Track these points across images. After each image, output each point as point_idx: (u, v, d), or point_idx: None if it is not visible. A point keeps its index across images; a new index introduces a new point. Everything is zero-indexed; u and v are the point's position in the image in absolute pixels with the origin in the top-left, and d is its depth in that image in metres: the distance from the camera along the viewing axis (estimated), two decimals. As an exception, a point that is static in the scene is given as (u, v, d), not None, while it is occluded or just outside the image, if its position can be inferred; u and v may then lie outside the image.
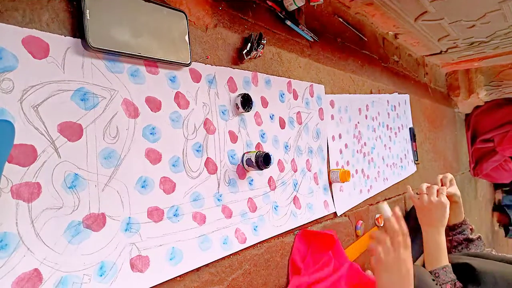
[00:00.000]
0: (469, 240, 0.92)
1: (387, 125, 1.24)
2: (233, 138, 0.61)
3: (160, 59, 0.49)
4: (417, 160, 1.44)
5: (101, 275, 0.41)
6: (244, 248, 0.61)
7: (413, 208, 1.28)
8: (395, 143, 1.29)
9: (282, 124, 0.73)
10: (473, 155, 2.49)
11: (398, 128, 1.33)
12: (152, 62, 0.50)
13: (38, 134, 0.37)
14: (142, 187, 0.47)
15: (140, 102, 0.48)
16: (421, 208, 0.86)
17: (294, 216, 0.73)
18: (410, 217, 1.25)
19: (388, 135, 1.24)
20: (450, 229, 0.95)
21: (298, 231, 0.75)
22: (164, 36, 0.50)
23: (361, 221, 0.98)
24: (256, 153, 0.60)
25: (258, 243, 0.63)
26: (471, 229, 0.96)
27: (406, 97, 1.45)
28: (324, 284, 0.67)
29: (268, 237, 0.65)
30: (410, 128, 1.44)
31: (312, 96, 0.83)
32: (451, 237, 0.95)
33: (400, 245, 0.56)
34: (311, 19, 0.88)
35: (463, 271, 0.77)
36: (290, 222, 0.71)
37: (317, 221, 0.81)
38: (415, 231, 1.18)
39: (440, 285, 0.74)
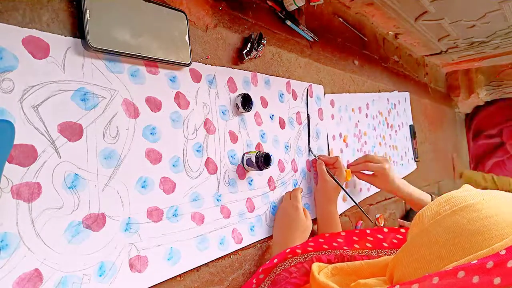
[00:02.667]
0: None
1: (388, 123, 1.24)
2: (233, 138, 0.61)
3: (160, 59, 0.49)
4: (417, 158, 1.44)
5: (100, 275, 0.41)
6: (244, 248, 0.61)
7: (411, 209, 1.29)
8: (396, 141, 1.29)
9: (282, 124, 0.73)
10: (474, 153, 2.49)
11: (398, 126, 1.33)
12: (152, 62, 0.50)
13: (38, 134, 0.37)
14: (142, 187, 0.47)
15: (140, 102, 0.48)
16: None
17: (294, 216, 0.73)
18: (410, 217, 1.26)
19: (388, 133, 1.24)
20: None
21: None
22: (164, 36, 0.50)
23: (361, 221, 0.98)
24: (256, 153, 0.60)
25: (254, 243, 0.63)
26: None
27: (406, 94, 1.45)
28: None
29: (263, 237, 0.65)
30: (410, 126, 1.44)
31: (311, 97, 0.83)
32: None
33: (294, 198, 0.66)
34: (311, 19, 0.88)
35: None
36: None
37: (314, 221, 0.81)
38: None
39: None
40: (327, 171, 0.76)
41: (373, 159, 0.87)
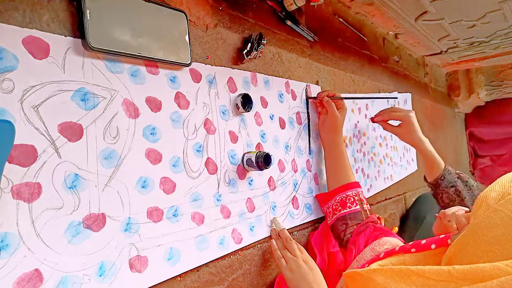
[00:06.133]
0: (464, 187, 0.81)
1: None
2: (234, 138, 0.61)
3: (160, 59, 0.49)
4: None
5: (100, 275, 0.41)
6: (244, 248, 0.61)
7: (412, 207, 1.29)
8: (396, 142, 1.29)
9: (282, 124, 0.73)
10: (472, 152, 2.51)
11: (398, 128, 1.33)
12: (153, 62, 0.50)
13: (38, 134, 0.37)
14: (142, 187, 0.47)
15: (140, 102, 0.48)
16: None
17: (291, 216, 0.73)
18: (410, 216, 1.26)
19: (389, 134, 1.24)
20: (435, 187, 0.86)
21: (296, 232, 0.75)
22: (165, 36, 0.50)
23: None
24: (257, 153, 0.60)
25: (254, 243, 0.63)
26: (458, 177, 0.84)
27: (407, 95, 1.45)
28: None
29: (263, 237, 0.65)
30: None
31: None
32: (441, 195, 0.85)
33: (295, 250, 0.60)
34: (311, 19, 0.88)
35: None
36: (286, 223, 0.71)
37: (315, 221, 0.81)
38: (415, 230, 1.19)
39: None
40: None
41: (398, 109, 0.87)
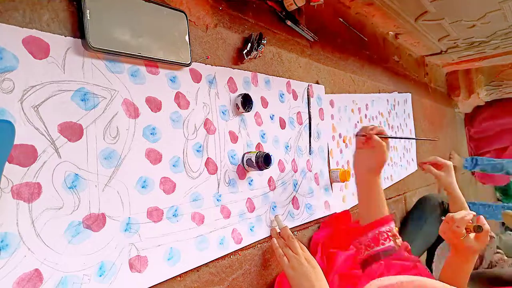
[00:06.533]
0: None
1: (388, 124, 1.24)
2: (234, 138, 0.61)
3: (160, 59, 0.49)
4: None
5: (100, 275, 0.41)
6: (244, 248, 0.61)
7: (413, 209, 1.29)
8: (395, 142, 1.29)
9: (282, 124, 0.73)
10: (472, 152, 2.51)
11: (397, 127, 1.33)
12: (153, 62, 0.50)
13: (38, 134, 0.37)
14: (142, 187, 0.47)
15: (140, 102, 0.48)
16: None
17: (291, 216, 0.73)
18: (411, 218, 1.26)
19: (389, 134, 1.24)
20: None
21: (296, 232, 0.75)
22: (165, 36, 0.50)
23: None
24: (257, 153, 0.60)
25: (254, 243, 0.63)
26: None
27: (407, 95, 1.45)
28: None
29: (263, 237, 0.65)
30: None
31: (312, 97, 0.83)
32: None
33: (297, 248, 0.60)
34: (311, 19, 0.88)
35: None
36: (286, 223, 0.71)
37: (316, 221, 0.81)
38: (415, 232, 1.19)
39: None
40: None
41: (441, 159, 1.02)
